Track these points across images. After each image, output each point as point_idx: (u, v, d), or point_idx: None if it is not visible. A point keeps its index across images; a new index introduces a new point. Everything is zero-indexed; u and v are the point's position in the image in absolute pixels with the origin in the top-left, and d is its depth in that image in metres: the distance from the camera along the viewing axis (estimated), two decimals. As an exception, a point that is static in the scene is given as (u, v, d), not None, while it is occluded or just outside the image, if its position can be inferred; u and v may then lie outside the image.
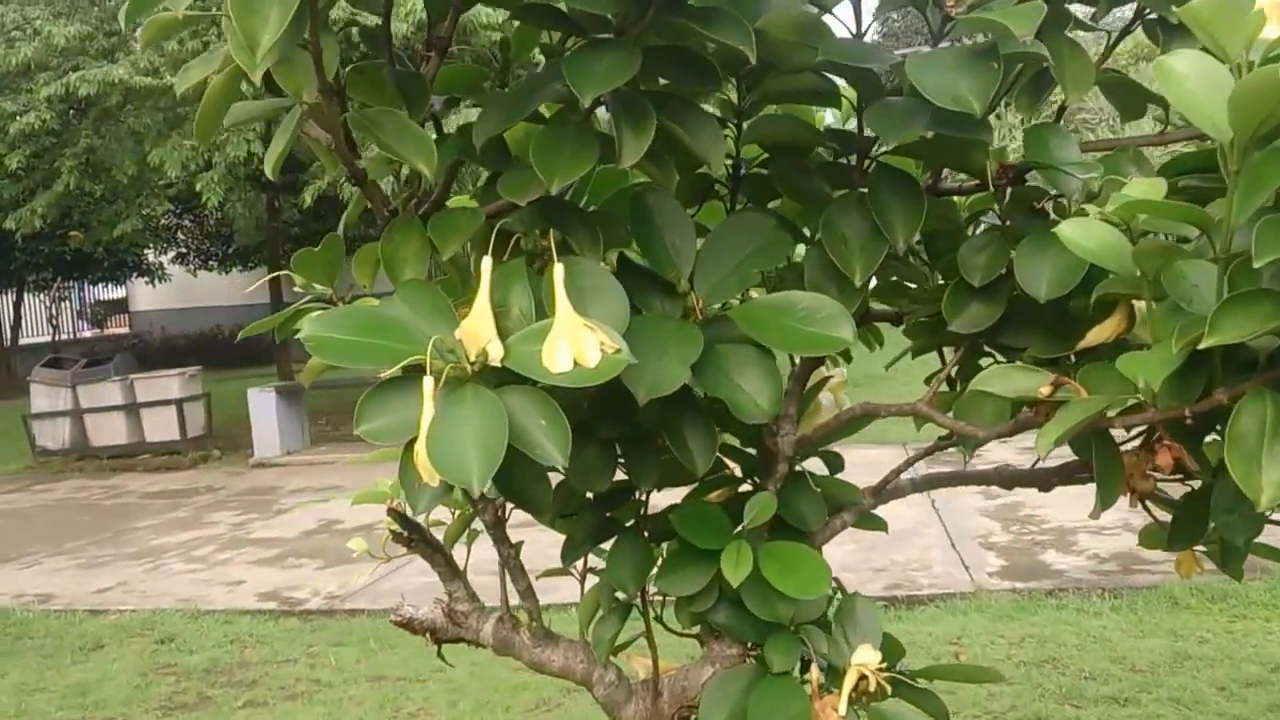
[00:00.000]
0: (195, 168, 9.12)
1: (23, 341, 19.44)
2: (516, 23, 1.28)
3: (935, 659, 3.76)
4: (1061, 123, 1.30)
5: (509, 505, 1.52)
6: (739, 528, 1.40)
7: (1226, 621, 4.33)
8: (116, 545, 7.18)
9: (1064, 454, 1.65)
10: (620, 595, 1.56)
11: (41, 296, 21.02)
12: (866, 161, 1.28)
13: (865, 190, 1.24)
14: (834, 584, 1.48)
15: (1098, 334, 1.24)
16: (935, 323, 1.56)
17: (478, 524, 1.67)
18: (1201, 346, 1.00)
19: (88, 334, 23.22)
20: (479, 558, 1.72)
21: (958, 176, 1.42)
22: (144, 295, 21.63)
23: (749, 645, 1.49)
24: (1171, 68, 0.96)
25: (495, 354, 1.09)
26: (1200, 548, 1.67)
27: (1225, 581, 4.61)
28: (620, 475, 1.45)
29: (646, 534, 1.51)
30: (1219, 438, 1.37)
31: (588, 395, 1.29)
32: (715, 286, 1.25)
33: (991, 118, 1.16)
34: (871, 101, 1.17)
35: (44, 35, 9.13)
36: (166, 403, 10.15)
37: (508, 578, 1.55)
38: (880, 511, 1.64)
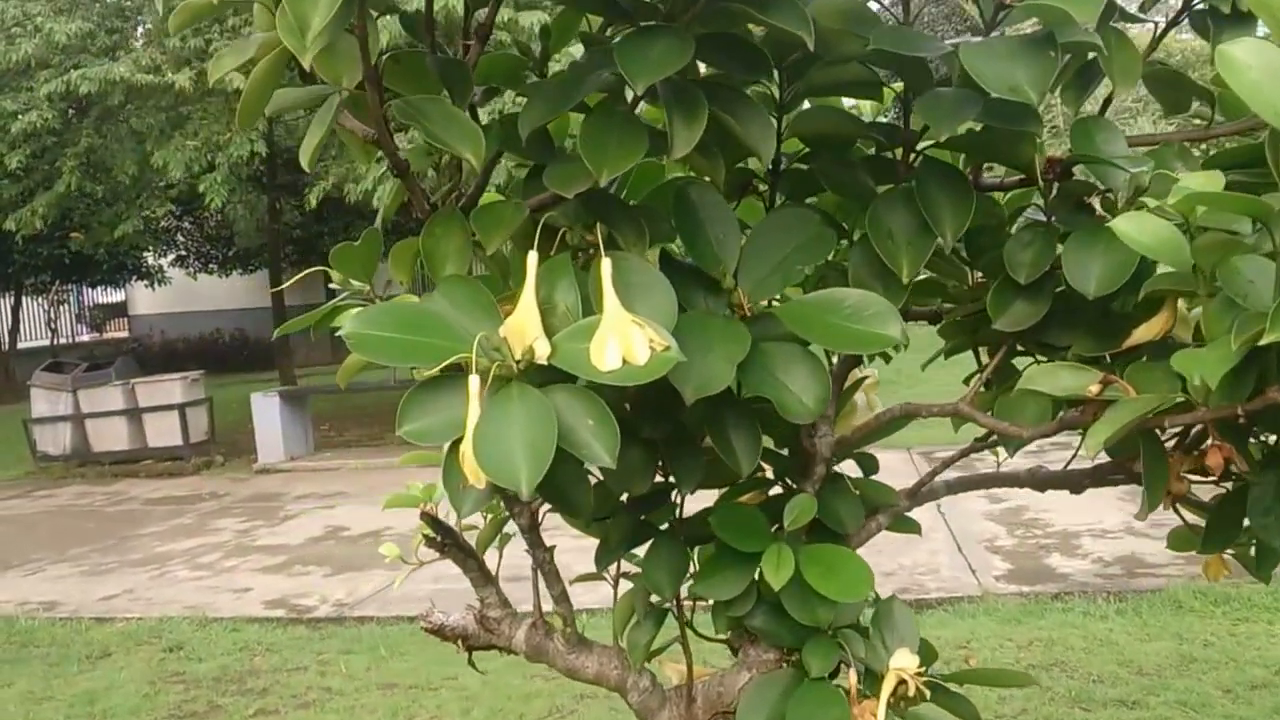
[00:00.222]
0: (199, 169, 9.09)
1: (21, 345, 19.39)
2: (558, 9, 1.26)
3: (945, 663, 3.75)
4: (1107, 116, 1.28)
5: (543, 508, 1.50)
6: (776, 530, 1.39)
7: (1230, 624, 4.33)
8: (121, 552, 7.15)
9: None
10: (655, 600, 1.54)
11: (40, 300, 20.96)
12: (912, 155, 1.26)
13: (911, 184, 1.22)
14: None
15: (1145, 332, 1.23)
16: (973, 322, 1.54)
17: (508, 528, 1.65)
18: (1263, 343, 0.98)
19: (86, 338, 23.17)
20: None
21: (995, 171, 1.40)
22: (143, 299, 21.57)
23: (785, 650, 1.47)
24: (1234, 56, 0.94)
25: (542, 352, 1.07)
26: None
27: (1228, 585, 4.61)
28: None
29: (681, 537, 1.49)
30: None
31: (628, 395, 1.27)
32: (759, 283, 1.23)
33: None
34: (921, 92, 1.15)
35: (45, 32, 9.10)
36: (169, 407, 10.11)
37: (541, 582, 1.53)
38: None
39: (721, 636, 1.62)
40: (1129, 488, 5.13)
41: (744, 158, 1.38)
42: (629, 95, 1.12)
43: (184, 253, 18.88)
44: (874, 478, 1.59)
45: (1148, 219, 1.07)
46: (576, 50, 1.37)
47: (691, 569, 1.49)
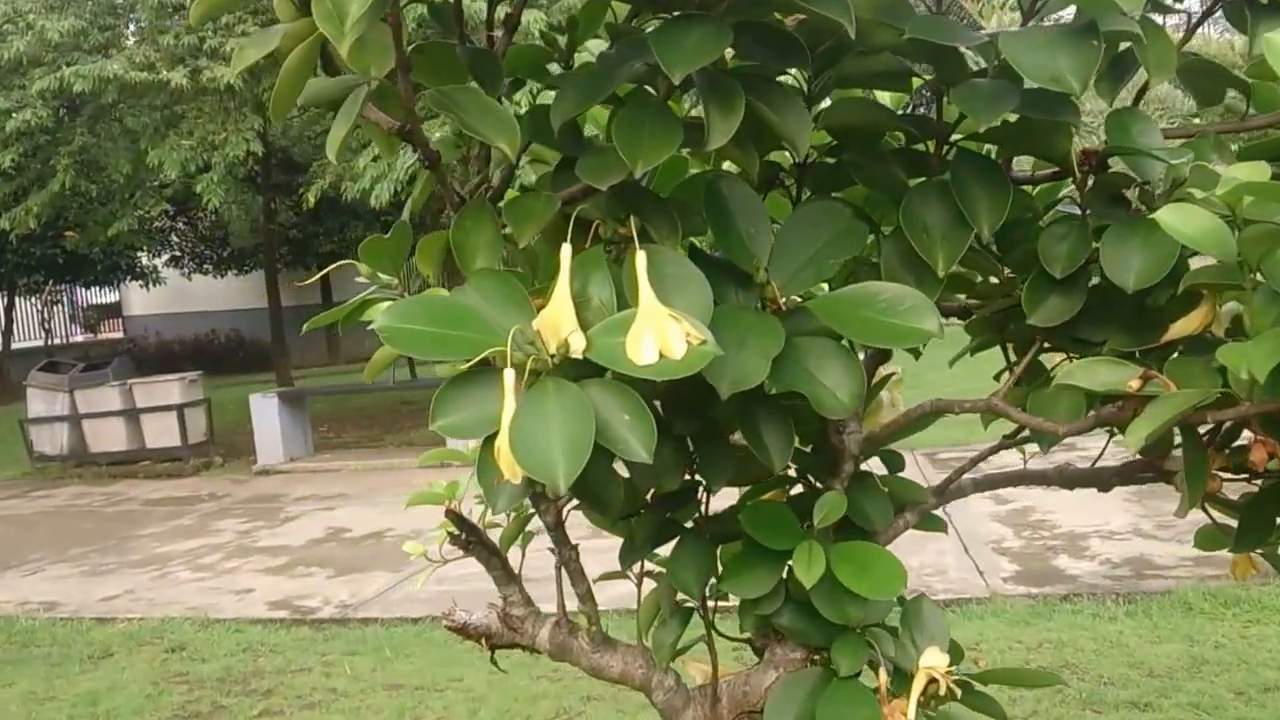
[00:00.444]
0: (194, 168, 9.05)
1: (14, 345, 19.34)
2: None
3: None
4: (1140, 107, 1.26)
5: (566, 507, 1.48)
6: (805, 528, 1.37)
7: (1241, 627, 4.32)
8: (121, 552, 7.12)
9: (1118, 452, 1.62)
10: (682, 599, 1.53)
11: (33, 300, 20.90)
12: (945, 147, 1.24)
13: (945, 177, 1.21)
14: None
15: (1184, 326, 1.21)
16: (1000, 319, 1.53)
17: (530, 527, 1.63)
18: (1311, 336, 0.97)
19: (80, 338, 23.10)
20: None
21: (1022, 164, 1.39)
22: (137, 299, 21.51)
23: (813, 649, 1.45)
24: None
25: (577, 346, 1.06)
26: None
27: (1238, 587, 4.60)
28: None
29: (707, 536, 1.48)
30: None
31: (658, 391, 1.26)
32: (792, 278, 1.22)
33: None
34: (956, 83, 1.14)
35: (37, 29, 9.05)
36: (167, 408, 10.07)
37: (565, 581, 1.51)
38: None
39: (744, 636, 1.61)
40: (1136, 489, 5.13)
41: (769, 151, 1.36)
42: (662, 87, 1.11)
43: (178, 253, 18.84)
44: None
45: (1192, 210, 1.05)
46: (594, 45, 1.36)
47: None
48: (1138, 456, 1.58)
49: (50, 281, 19.48)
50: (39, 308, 21.20)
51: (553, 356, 1.07)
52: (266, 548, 6.92)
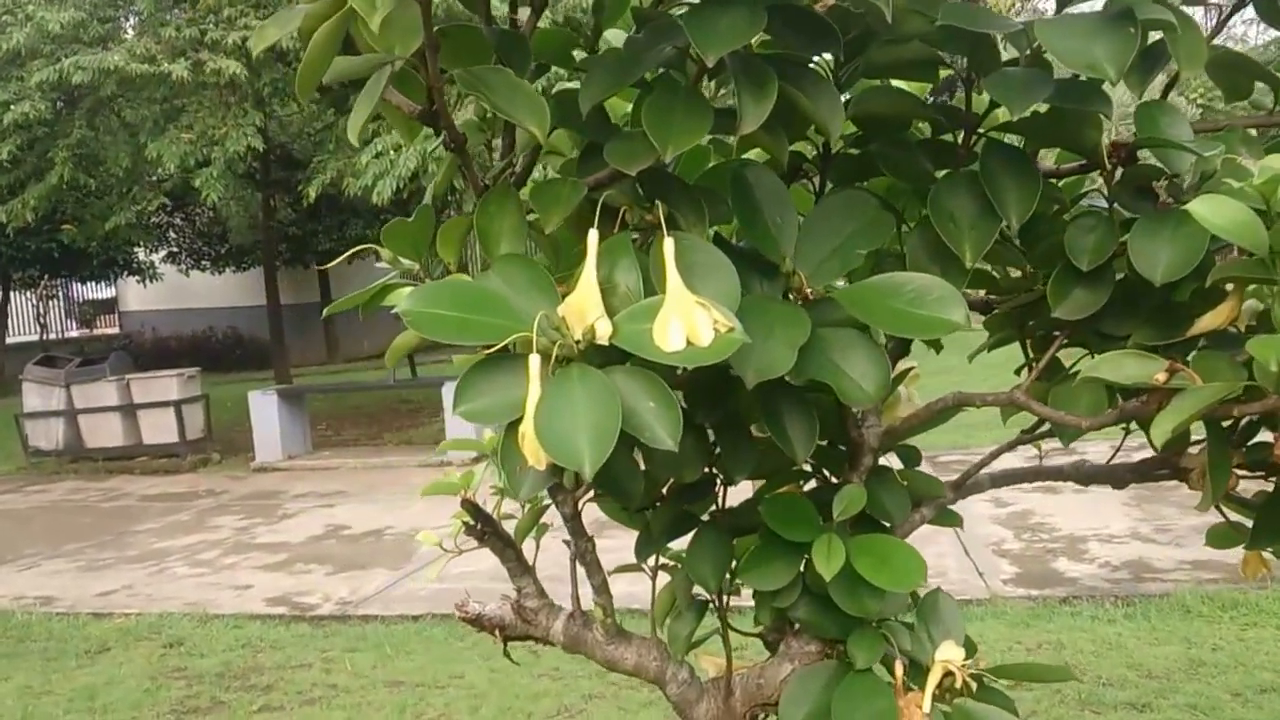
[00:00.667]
0: (194, 162, 9.02)
1: (9, 340, 19.28)
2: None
3: (956, 664, 3.76)
4: (1169, 100, 1.26)
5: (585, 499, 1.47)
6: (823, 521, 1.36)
7: (1238, 630, 4.32)
8: (117, 548, 7.10)
9: (1131, 449, 1.62)
10: (697, 591, 1.52)
11: (28, 294, 20.84)
12: (973, 138, 1.24)
13: (973, 168, 1.20)
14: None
15: (1210, 320, 1.21)
16: (1019, 314, 1.52)
17: (545, 519, 1.62)
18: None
19: (75, 334, 23.03)
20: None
21: (1044, 160, 1.38)
22: (134, 295, 21.45)
23: (828, 642, 1.44)
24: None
25: (604, 332, 1.05)
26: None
27: (1236, 590, 4.61)
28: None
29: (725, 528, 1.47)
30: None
31: (679, 380, 1.25)
32: (817, 268, 1.21)
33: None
34: (987, 72, 1.13)
35: (36, 21, 9.02)
36: (164, 404, 10.05)
37: (579, 573, 1.50)
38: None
39: (756, 631, 1.60)
40: (1134, 492, 5.15)
41: (793, 141, 1.35)
42: (692, 71, 1.10)
43: (176, 249, 18.79)
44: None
45: (1224, 202, 1.05)
46: (611, 35, 1.35)
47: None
48: (1154, 453, 1.58)
49: (46, 276, 19.42)
50: (34, 302, 21.15)
51: (578, 343, 1.06)
52: (265, 544, 6.90)
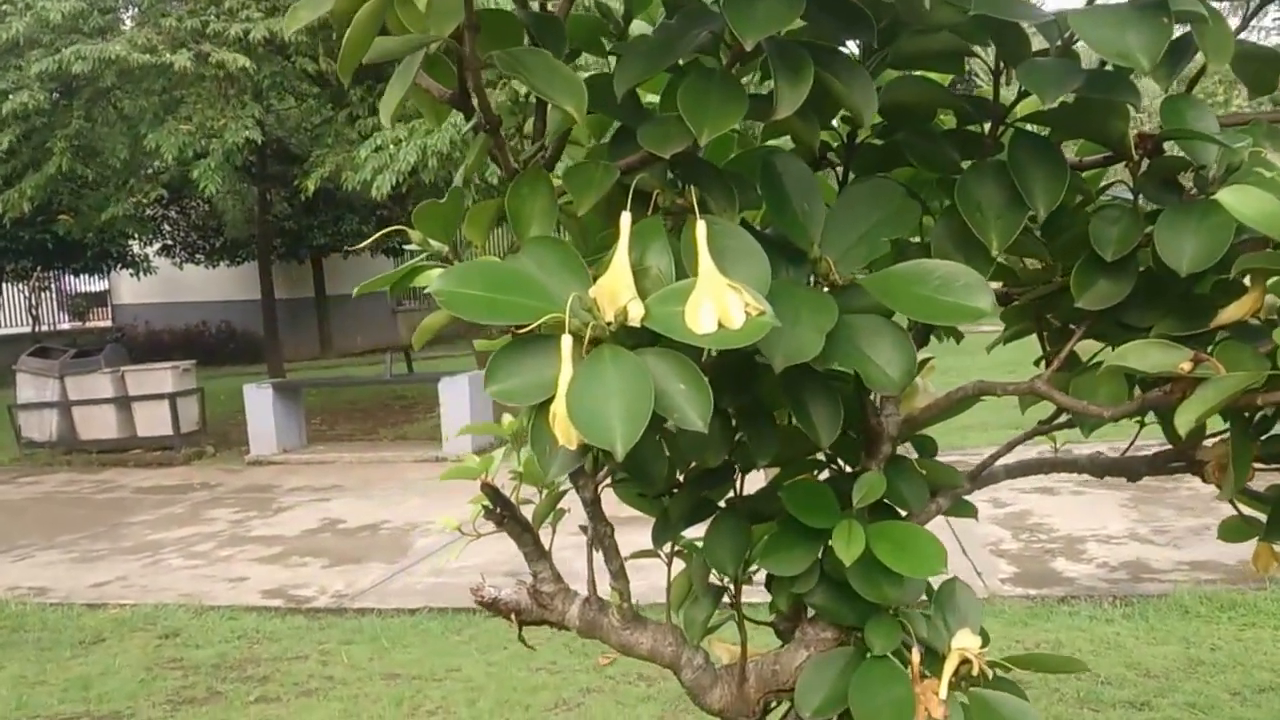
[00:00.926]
0: (192, 153, 9.00)
1: (1, 332, 19.19)
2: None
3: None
4: (1194, 94, 1.27)
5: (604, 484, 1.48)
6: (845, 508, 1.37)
7: (1236, 630, 4.34)
8: (112, 539, 7.08)
9: (1148, 441, 1.63)
10: (715, 577, 1.53)
11: (21, 286, 20.75)
12: (999, 128, 1.24)
13: (1000, 158, 1.21)
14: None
15: (1234, 311, 1.21)
16: (1039, 305, 1.53)
17: (562, 504, 1.63)
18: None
19: (67, 326, 22.93)
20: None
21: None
22: (127, 288, 21.35)
23: (844, 629, 1.45)
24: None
25: (635, 314, 1.05)
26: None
27: (1234, 590, 4.64)
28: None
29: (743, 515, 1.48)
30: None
31: (705, 365, 1.25)
32: (843, 255, 1.22)
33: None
34: (1017, 62, 1.14)
35: (36, 10, 8.99)
36: (159, 397, 10.02)
37: (595, 558, 1.51)
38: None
39: (768, 620, 1.61)
40: (1132, 494, 5.16)
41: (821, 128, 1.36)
42: (728, 56, 1.10)
43: (170, 242, 18.73)
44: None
45: (1253, 192, 1.05)
46: (637, 26, 1.36)
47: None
48: (1169, 445, 1.59)
49: (39, 268, 19.34)
50: (26, 294, 21.06)
51: (609, 324, 1.06)
52: (260, 537, 6.89)
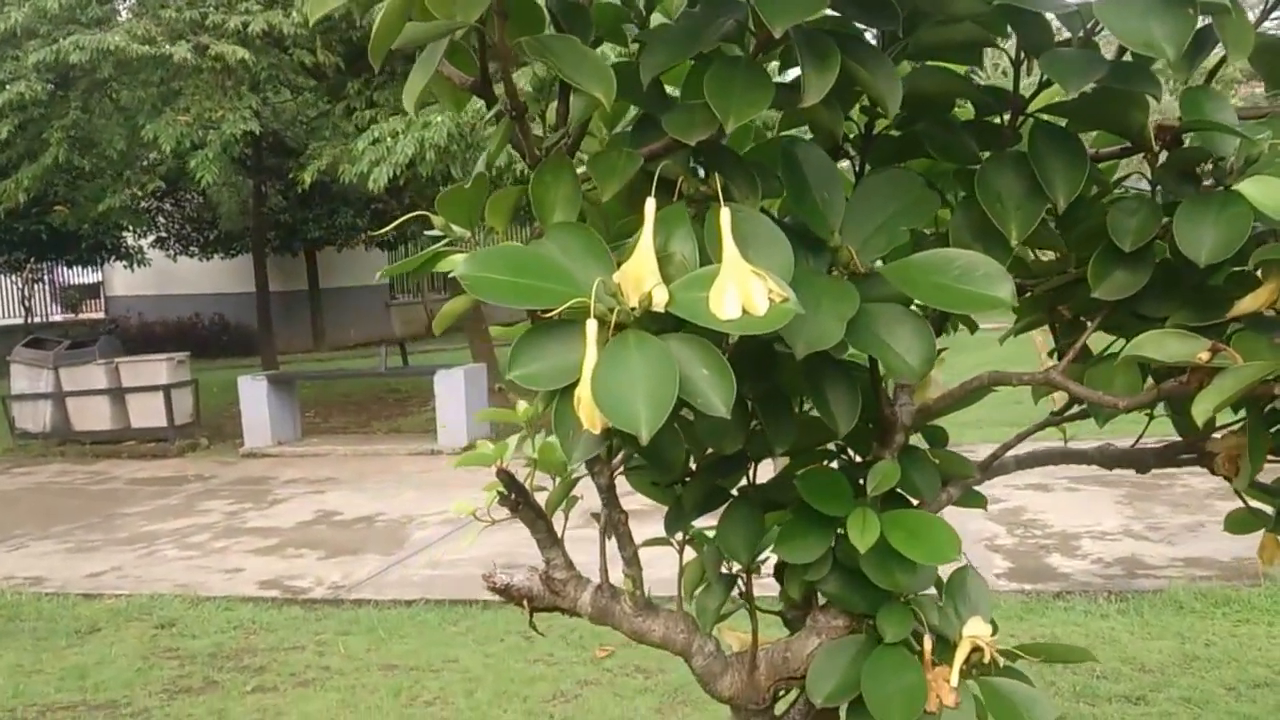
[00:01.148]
0: (189, 144, 8.97)
1: (-7, 322, 19.12)
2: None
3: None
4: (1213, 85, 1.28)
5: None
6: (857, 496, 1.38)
7: (1231, 626, 4.37)
8: (107, 530, 7.06)
9: (1156, 434, 1.64)
10: (725, 565, 1.53)
11: (14, 278, 20.66)
12: (1019, 119, 1.25)
13: (1019, 148, 1.21)
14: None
15: (1250, 302, 1.22)
16: (1051, 297, 1.54)
17: (574, 492, 1.63)
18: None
19: (59, 318, 22.84)
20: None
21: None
22: (120, 280, 21.28)
23: (856, 617, 1.46)
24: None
25: (660, 299, 1.06)
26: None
27: (1229, 587, 4.67)
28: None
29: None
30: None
31: (725, 353, 1.26)
32: (863, 244, 1.22)
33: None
34: (1039, 52, 1.14)
35: (34, 0, 8.95)
36: (153, 388, 9.99)
37: (608, 545, 1.52)
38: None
39: (775, 609, 1.62)
40: (1127, 490, 5.18)
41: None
42: (755, 43, 1.11)
43: (164, 234, 18.67)
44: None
45: (1274, 183, 1.06)
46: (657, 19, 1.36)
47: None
48: (1179, 437, 1.60)
49: (32, 259, 19.25)
50: (19, 286, 20.96)
51: (633, 309, 1.07)
52: (255, 528, 6.89)
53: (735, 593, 1.59)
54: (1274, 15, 1.27)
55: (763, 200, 1.27)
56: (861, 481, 1.42)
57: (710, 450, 1.44)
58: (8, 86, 8.93)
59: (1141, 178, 1.29)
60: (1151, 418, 1.64)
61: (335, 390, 13.09)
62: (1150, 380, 1.37)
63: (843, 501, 1.36)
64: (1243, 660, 4.00)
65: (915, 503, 1.48)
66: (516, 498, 1.48)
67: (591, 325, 1.04)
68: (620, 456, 1.46)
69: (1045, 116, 1.25)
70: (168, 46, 8.42)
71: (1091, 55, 1.10)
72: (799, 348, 1.11)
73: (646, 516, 1.62)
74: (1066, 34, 1.23)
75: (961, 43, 1.24)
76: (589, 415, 1.04)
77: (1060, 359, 1.52)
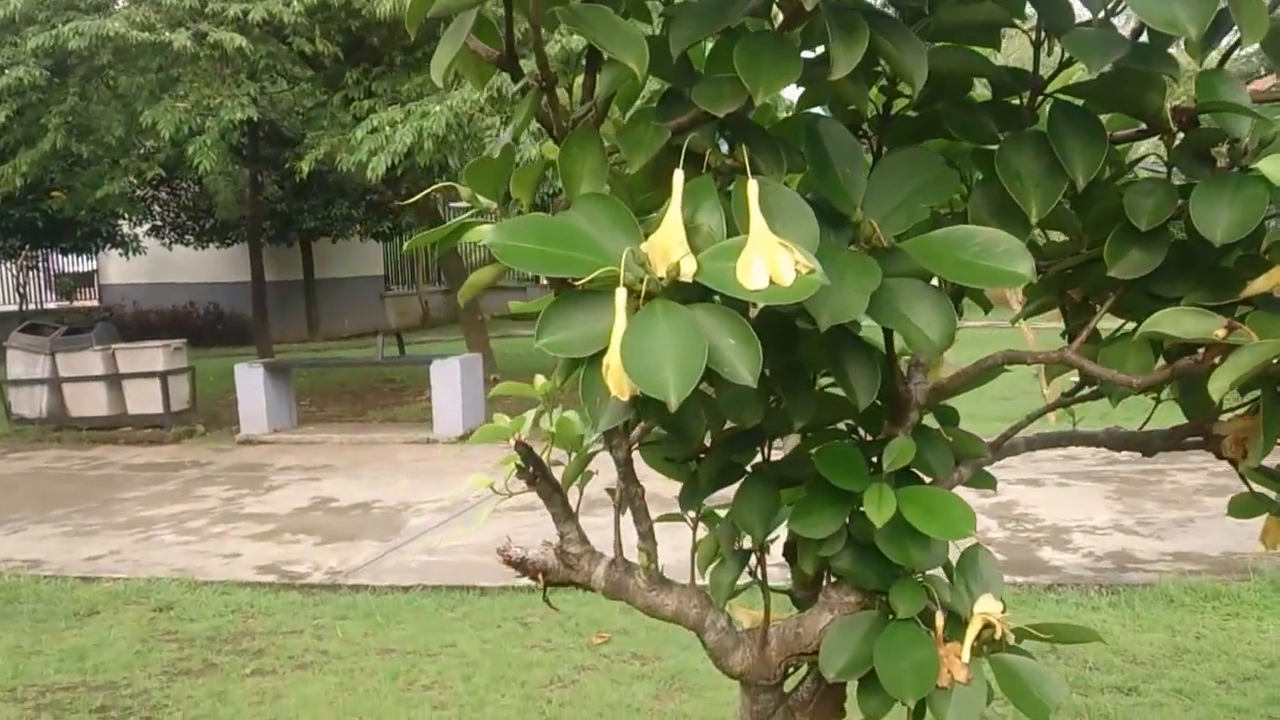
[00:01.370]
0: (188, 131, 8.96)
1: (-12, 309, 19.06)
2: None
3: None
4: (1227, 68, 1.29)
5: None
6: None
7: (1220, 619, 4.41)
8: (104, 515, 7.06)
9: (1163, 417, 1.66)
10: (740, 541, 1.55)
11: (9, 265, 20.61)
12: (1038, 99, 1.27)
13: (1039, 128, 1.23)
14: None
15: (1264, 283, 1.24)
16: (1063, 279, 1.56)
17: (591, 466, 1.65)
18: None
19: (54, 305, 22.78)
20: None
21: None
22: (115, 268, 21.22)
23: (868, 593, 1.48)
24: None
25: (688, 269, 1.07)
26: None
27: (1218, 581, 4.71)
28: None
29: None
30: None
31: (747, 324, 1.27)
32: (883, 220, 1.24)
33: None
34: (1061, 32, 1.16)
35: (34, -15, 8.94)
36: (150, 375, 9.98)
37: (622, 520, 1.53)
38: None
39: (784, 587, 1.64)
40: (1117, 485, 5.22)
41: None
42: (785, 13, 1.12)
43: (160, 223, 18.63)
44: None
45: (1291, 162, 1.08)
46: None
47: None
48: (1186, 420, 1.62)
49: (27, 246, 19.20)
50: (14, 272, 20.92)
51: (661, 279, 1.08)
52: (252, 514, 6.89)
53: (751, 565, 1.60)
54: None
55: (793, 174, 1.29)
56: (875, 459, 1.44)
57: (727, 425, 1.45)
58: (6, 71, 8.90)
59: (1158, 160, 1.31)
60: (1158, 401, 1.66)
61: (331, 379, 13.09)
62: (1162, 360, 1.39)
63: (859, 477, 1.38)
64: (1232, 653, 4.04)
65: (928, 480, 1.50)
66: (534, 471, 1.49)
67: (621, 294, 1.06)
68: (637, 431, 1.48)
69: (1063, 97, 1.27)
70: (167, 33, 8.41)
71: (1113, 35, 1.12)
72: (823, 319, 1.13)
73: (653, 502, 1.64)
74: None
75: (982, 23, 1.26)
76: (617, 382, 1.05)
77: (1071, 341, 1.54)
